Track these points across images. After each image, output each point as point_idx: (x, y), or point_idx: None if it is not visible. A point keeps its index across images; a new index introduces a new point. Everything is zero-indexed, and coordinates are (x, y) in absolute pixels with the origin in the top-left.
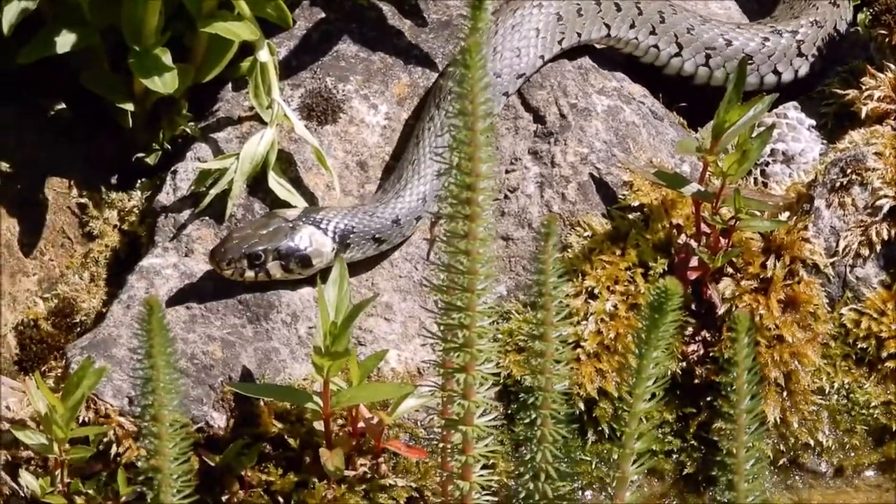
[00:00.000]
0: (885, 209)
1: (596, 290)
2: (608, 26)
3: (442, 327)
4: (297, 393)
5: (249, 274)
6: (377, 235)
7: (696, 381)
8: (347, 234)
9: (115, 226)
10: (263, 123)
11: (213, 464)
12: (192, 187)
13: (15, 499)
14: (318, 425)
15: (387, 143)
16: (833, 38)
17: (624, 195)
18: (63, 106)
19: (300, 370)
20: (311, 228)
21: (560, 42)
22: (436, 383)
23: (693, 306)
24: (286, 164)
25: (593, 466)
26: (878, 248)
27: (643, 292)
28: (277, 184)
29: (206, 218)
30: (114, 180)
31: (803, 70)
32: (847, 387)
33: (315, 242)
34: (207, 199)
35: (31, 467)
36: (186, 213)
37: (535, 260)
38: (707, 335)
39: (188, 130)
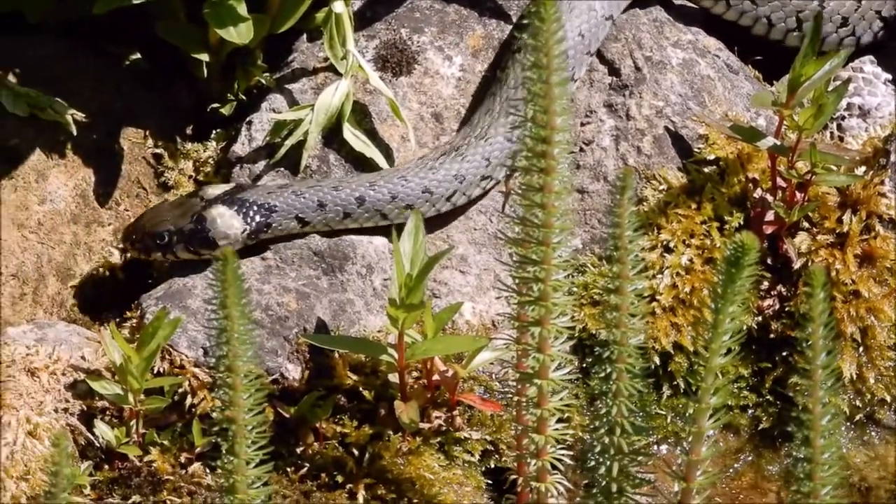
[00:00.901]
0: None
1: (671, 244)
2: None
3: (517, 280)
4: (371, 345)
5: (157, 255)
6: (300, 216)
7: (772, 335)
8: (269, 212)
9: (189, 176)
10: (338, 75)
11: (287, 415)
12: (268, 138)
13: (90, 449)
14: (393, 377)
15: (461, 94)
16: None
17: (699, 149)
18: (139, 56)
19: (375, 322)
20: (222, 208)
21: None
22: (510, 336)
23: (769, 261)
24: (361, 115)
25: (668, 421)
26: None
27: (719, 246)
28: (352, 135)
29: (282, 169)
30: (189, 131)
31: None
32: None
33: (221, 223)
34: (282, 150)
35: (106, 418)
36: (261, 164)
37: (610, 213)
38: (783, 290)
39: (263, 81)
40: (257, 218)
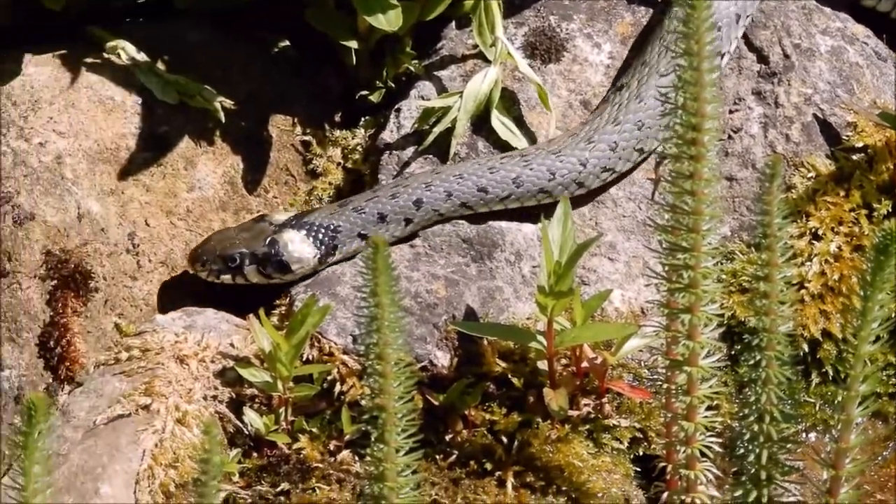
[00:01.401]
0: None
1: (820, 231)
2: None
3: (666, 267)
4: (520, 332)
5: (226, 277)
6: (362, 232)
7: None
8: (334, 235)
9: (338, 163)
10: (487, 62)
11: (436, 403)
12: (416, 125)
13: (239, 436)
14: (542, 365)
15: (610, 82)
16: None
17: (848, 136)
18: (287, 43)
19: (524, 309)
20: (293, 234)
21: None
22: (659, 324)
23: None
24: (510, 102)
25: (817, 408)
26: None
27: (867, 234)
28: (500, 123)
29: (430, 156)
30: (337, 118)
31: None
32: None
33: (296, 249)
34: (431, 137)
35: (255, 405)
36: (410, 151)
37: (759, 200)
38: None
39: (412, 68)
40: (325, 240)
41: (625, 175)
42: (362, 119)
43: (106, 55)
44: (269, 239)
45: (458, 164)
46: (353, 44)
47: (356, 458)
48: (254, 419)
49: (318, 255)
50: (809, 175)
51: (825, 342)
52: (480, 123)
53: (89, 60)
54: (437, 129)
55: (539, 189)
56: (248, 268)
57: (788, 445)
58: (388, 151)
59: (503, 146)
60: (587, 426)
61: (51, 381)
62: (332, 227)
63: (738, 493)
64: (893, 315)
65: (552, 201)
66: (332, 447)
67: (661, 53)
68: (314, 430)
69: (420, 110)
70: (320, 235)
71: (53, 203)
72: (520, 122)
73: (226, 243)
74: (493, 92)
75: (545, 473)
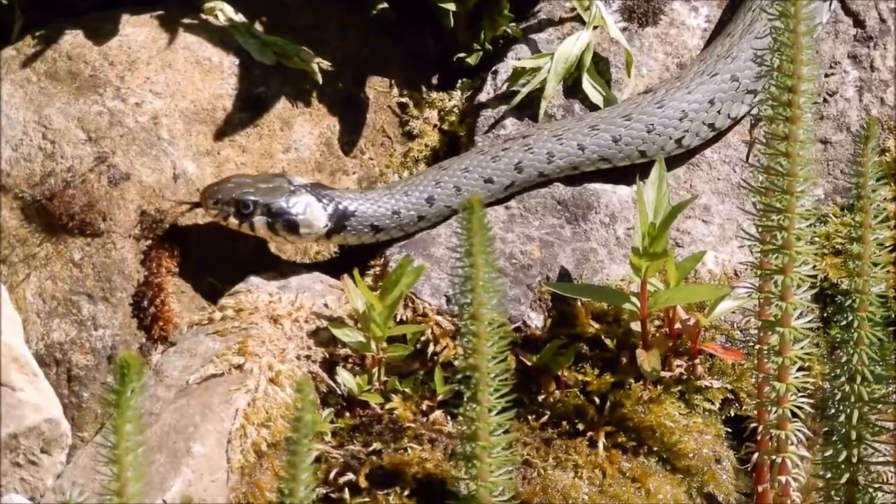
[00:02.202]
0: None
1: None
2: None
3: (760, 229)
4: (614, 293)
5: (234, 221)
6: (375, 223)
7: None
8: (346, 216)
9: (434, 125)
10: (584, 25)
11: (529, 363)
12: (506, 84)
13: (331, 396)
14: (635, 326)
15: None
16: None
17: None
18: (385, 5)
19: (617, 271)
20: (310, 198)
21: None
22: (752, 285)
23: None
24: (605, 66)
25: None
26: None
27: None
28: (591, 86)
29: (526, 119)
30: (434, 80)
31: None
32: None
33: (309, 212)
34: (518, 98)
35: (348, 365)
36: (503, 110)
37: (853, 163)
38: None
39: (509, 31)
40: (339, 218)
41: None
42: (459, 81)
43: (203, 16)
44: (285, 196)
45: (462, 156)
46: (451, 6)
47: (448, 419)
48: (347, 379)
49: (328, 228)
50: None
51: None
52: (576, 86)
53: (187, 21)
54: (524, 90)
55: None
56: (258, 218)
57: (879, 406)
58: (483, 113)
59: (594, 109)
60: (679, 387)
61: (144, 340)
62: (342, 208)
63: (829, 453)
64: None
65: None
66: (424, 407)
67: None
68: (407, 390)
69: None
70: (331, 210)
71: (149, 163)
72: (613, 85)
73: (243, 189)
74: (584, 55)
75: (637, 434)
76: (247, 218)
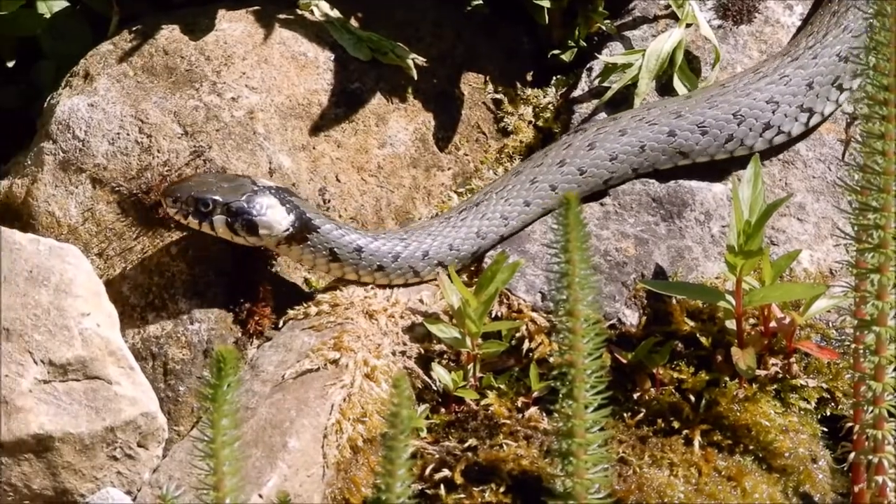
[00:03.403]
0: None
1: None
2: None
3: (856, 227)
4: (709, 291)
5: (193, 221)
6: (334, 249)
7: None
8: (308, 228)
9: (529, 122)
10: (678, 22)
11: (624, 361)
12: (598, 80)
13: (427, 392)
14: (730, 324)
15: None
16: None
17: None
18: (480, 2)
19: (712, 269)
20: (272, 199)
21: None
22: (848, 284)
23: None
24: (698, 64)
25: None
26: None
27: None
28: (682, 85)
29: (620, 116)
30: (529, 76)
31: None
32: None
33: (269, 213)
34: (609, 93)
35: (443, 361)
36: (598, 108)
37: None
38: None
39: (604, 28)
40: (300, 225)
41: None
42: (554, 78)
43: (299, 11)
44: (246, 195)
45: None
46: (546, 2)
47: (544, 415)
48: (442, 375)
49: (288, 233)
50: None
51: None
52: (669, 84)
53: (283, 16)
54: (615, 86)
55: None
56: (218, 217)
57: None
58: (578, 109)
59: None
60: (774, 386)
61: (240, 335)
62: (306, 217)
63: None
64: None
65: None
66: (519, 403)
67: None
68: (502, 386)
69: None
70: (294, 216)
71: (245, 158)
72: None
73: (203, 187)
74: (676, 52)
75: (732, 432)
76: (206, 217)
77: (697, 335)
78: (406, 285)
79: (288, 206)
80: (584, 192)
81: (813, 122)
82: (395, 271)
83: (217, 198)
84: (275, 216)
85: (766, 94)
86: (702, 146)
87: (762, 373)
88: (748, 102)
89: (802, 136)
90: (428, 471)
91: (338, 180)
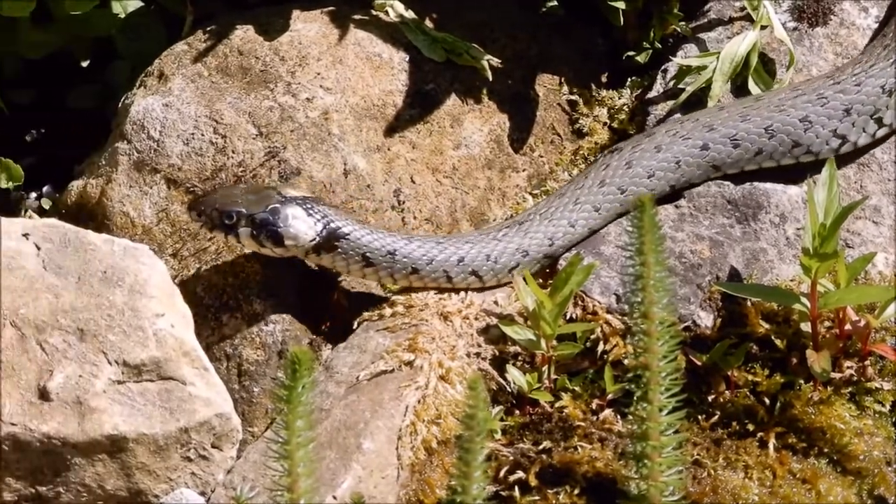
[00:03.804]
0: None
1: None
2: None
3: None
4: (784, 293)
5: (219, 233)
6: (366, 254)
7: None
8: (337, 236)
9: (604, 123)
10: (753, 24)
11: (699, 363)
12: (673, 82)
13: (501, 394)
14: (805, 326)
15: None
16: None
17: None
18: (556, 3)
19: (787, 271)
20: (298, 210)
21: None
22: None
23: None
24: (773, 66)
25: None
26: None
27: None
28: (757, 87)
29: (697, 118)
30: (604, 78)
31: None
32: None
33: (295, 224)
34: (684, 96)
35: (518, 363)
36: (672, 110)
37: None
38: None
39: (679, 29)
40: (328, 235)
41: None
42: (629, 79)
43: (374, 12)
44: (271, 206)
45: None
46: (621, 4)
47: (618, 417)
48: (517, 377)
49: (315, 242)
50: None
51: None
52: (744, 86)
53: (357, 17)
54: (690, 88)
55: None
56: (243, 229)
57: None
58: (653, 111)
59: None
60: (849, 388)
61: (314, 336)
62: (333, 226)
63: None
64: None
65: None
66: (594, 406)
67: None
68: (577, 388)
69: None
70: (321, 226)
71: (320, 159)
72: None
73: (228, 199)
74: (750, 55)
75: (807, 435)
76: (231, 230)
77: (772, 337)
78: (440, 290)
79: (315, 215)
80: (627, 210)
81: (844, 149)
82: (430, 275)
83: (241, 210)
84: (300, 226)
85: (800, 112)
86: (733, 159)
87: (837, 375)
88: (781, 118)
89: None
90: (502, 473)
91: (412, 182)
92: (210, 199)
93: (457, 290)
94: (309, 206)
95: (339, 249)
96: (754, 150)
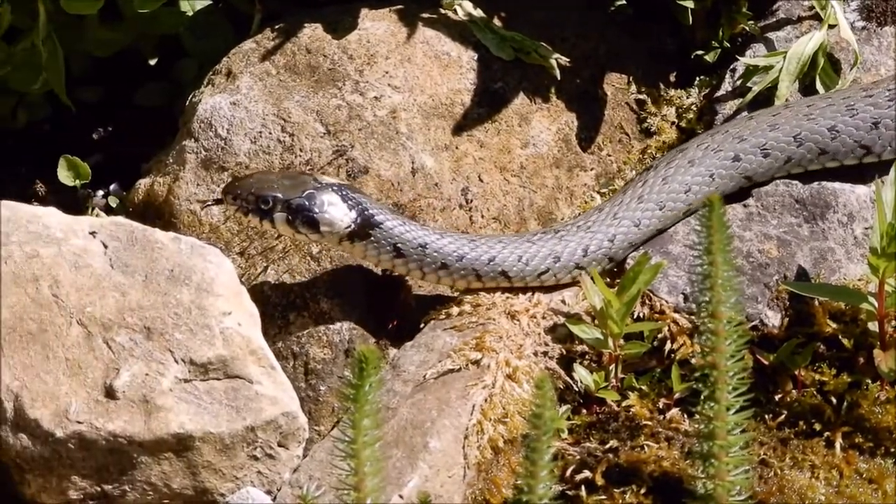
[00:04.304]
0: None
1: None
2: None
3: None
4: (851, 293)
5: (254, 218)
6: (398, 244)
7: None
8: (371, 224)
9: (672, 122)
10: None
11: (766, 362)
12: (741, 81)
13: (568, 393)
14: (873, 326)
15: None
16: None
17: None
18: (624, 2)
19: (855, 270)
20: (334, 196)
21: None
22: None
23: None
24: (840, 66)
25: None
26: None
27: None
28: (824, 87)
29: (760, 116)
30: (672, 77)
31: None
32: None
33: (331, 210)
34: (750, 95)
35: (585, 362)
36: (739, 109)
37: None
38: None
39: (747, 29)
40: (362, 222)
41: None
42: (697, 78)
43: (442, 10)
44: (307, 192)
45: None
46: (690, 3)
47: (685, 417)
48: (584, 376)
49: (349, 229)
50: None
51: None
52: (813, 86)
53: (426, 15)
54: (756, 88)
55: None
56: (278, 214)
57: None
58: (721, 110)
59: None
60: None
61: (381, 334)
62: (368, 213)
63: None
64: None
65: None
66: (661, 405)
67: None
68: (643, 387)
69: (745, 68)
70: (356, 213)
71: (388, 157)
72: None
73: (264, 184)
74: (817, 55)
75: (874, 435)
76: (267, 214)
77: (839, 337)
78: (469, 291)
79: (350, 202)
80: (666, 226)
81: (867, 160)
82: (459, 271)
83: (277, 195)
84: (336, 213)
85: (829, 122)
86: (764, 169)
87: None
88: (810, 126)
89: (855, 167)
90: (569, 472)
91: (480, 180)
92: (246, 183)
93: (487, 289)
94: (345, 192)
95: (372, 238)
96: (784, 157)
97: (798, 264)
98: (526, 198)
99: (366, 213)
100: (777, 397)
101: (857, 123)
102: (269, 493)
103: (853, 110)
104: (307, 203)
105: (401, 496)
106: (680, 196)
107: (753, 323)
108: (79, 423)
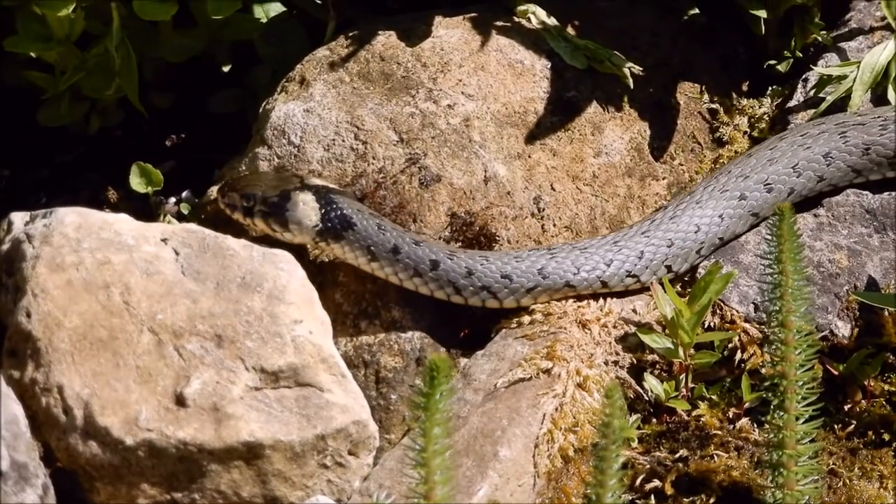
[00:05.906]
0: None
1: None
2: None
3: None
4: None
5: (238, 215)
6: (371, 247)
7: None
8: (344, 225)
9: (744, 132)
10: (894, 34)
11: (835, 372)
12: (813, 91)
13: (639, 402)
14: None
15: None
16: None
17: None
18: (697, 11)
19: None
20: (308, 196)
21: None
22: None
23: None
24: None
25: None
26: None
27: None
28: None
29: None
30: (745, 87)
31: None
32: None
33: (301, 210)
34: (823, 105)
35: (655, 371)
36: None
37: None
38: None
39: (820, 39)
40: (334, 222)
41: None
42: (769, 88)
43: (516, 18)
44: (284, 192)
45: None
46: (763, 13)
47: (755, 426)
48: (654, 385)
49: (318, 227)
50: None
51: None
52: (884, 95)
53: (499, 24)
54: (829, 98)
55: None
56: (257, 213)
57: None
58: (793, 120)
59: None
60: None
61: (452, 343)
62: (347, 218)
63: None
64: None
65: None
66: (731, 414)
67: None
68: (713, 397)
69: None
70: (332, 215)
71: (460, 165)
72: None
73: (252, 184)
74: (891, 65)
75: None
76: (249, 212)
77: None
78: (447, 301)
79: (324, 203)
80: (681, 268)
81: (858, 180)
82: (433, 281)
83: (258, 193)
84: (305, 212)
85: (823, 149)
86: (769, 203)
87: None
88: (806, 155)
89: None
90: (638, 481)
91: (552, 189)
92: (237, 182)
93: (468, 305)
94: (323, 193)
95: (345, 239)
96: (787, 189)
97: (868, 274)
98: (598, 206)
99: (341, 213)
100: (846, 407)
101: None
102: (338, 501)
103: None
104: (279, 201)
105: None
106: (691, 236)
107: (823, 333)
108: (149, 430)
